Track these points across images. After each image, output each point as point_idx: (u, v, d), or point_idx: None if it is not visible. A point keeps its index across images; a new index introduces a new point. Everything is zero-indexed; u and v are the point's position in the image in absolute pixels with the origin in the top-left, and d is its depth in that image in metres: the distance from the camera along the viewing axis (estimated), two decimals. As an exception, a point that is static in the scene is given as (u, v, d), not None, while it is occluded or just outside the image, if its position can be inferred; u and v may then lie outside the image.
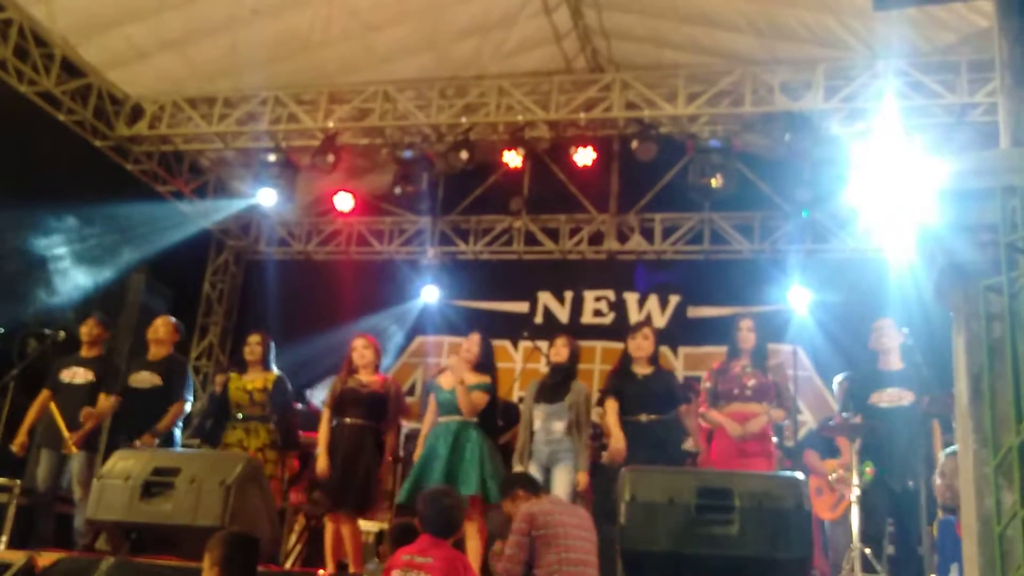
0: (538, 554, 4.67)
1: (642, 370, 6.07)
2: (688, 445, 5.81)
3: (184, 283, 10.52)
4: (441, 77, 8.99)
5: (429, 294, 10.32)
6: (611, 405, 6.08)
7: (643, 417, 5.89)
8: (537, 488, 4.87)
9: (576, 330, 9.59)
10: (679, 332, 9.62)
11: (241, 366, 6.68)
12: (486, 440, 5.90)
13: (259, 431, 6.38)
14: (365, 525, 6.90)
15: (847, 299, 8.87)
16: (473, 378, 5.96)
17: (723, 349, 6.54)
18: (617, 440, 5.86)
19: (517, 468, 5.99)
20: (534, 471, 5.86)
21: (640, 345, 6.09)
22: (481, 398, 5.94)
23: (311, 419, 6.89)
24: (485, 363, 6.10)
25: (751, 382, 6.06)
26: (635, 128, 8.54)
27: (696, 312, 9.76)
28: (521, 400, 8.55)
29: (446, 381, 6.10)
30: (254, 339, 6.68)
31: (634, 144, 8.41)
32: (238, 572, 3.65)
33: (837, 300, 8.97)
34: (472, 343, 6.09)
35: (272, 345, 6.72)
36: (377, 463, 6.09)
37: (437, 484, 5.57)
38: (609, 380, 6.24)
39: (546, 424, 6.00)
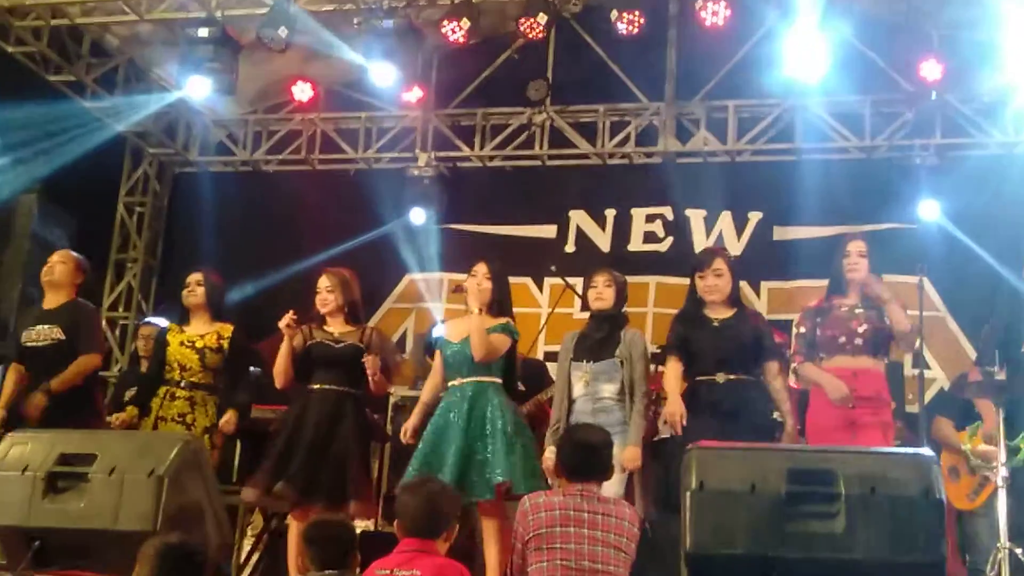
0: (526, 562, 4.74)
1: (717, 314, 6.05)
2: (777, 415, 5.82)
3: (90, 207, 10.53)
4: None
5: (419, 216, 10.31)
6: (672, 367, 6.11)
7: (719, 377, 5.89)
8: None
9: (622, 261, 9.55)
10: (761, 261, 9.59)
11: (172, 316, 6.78)
12: (510, 406, 6.01)
13: (208, 405, 6.50)
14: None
15: (991, 212, 8.81)
16: (489, 321, 6.03)
17: (821, 284, 6.52)
18: (673, 402, 5.88)
19: (551, 448, 6.04)
20: None
21: (713, 285, 6.05)
22: (502, 342, 6.03)
23: (265, 389, 6.97)
24: (502, 303, 6.16)
25: (862, 327, 6.01)
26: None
27: (784, 234, 9.74)
28: (549, 358, 8.62)
29: (454, 331, 6.15)
30: (195, 278, 6.77)
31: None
32: None
33: (978, 214, 8.92)
34: (481, 277, 6.12)
35: (222, 287, 6.81)
36: (361, 439, 6.19)
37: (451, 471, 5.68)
38: (673, 330, 6.20)
39: (592, 388, 6.08)
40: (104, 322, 10.18)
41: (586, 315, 6.65)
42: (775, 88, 9.57)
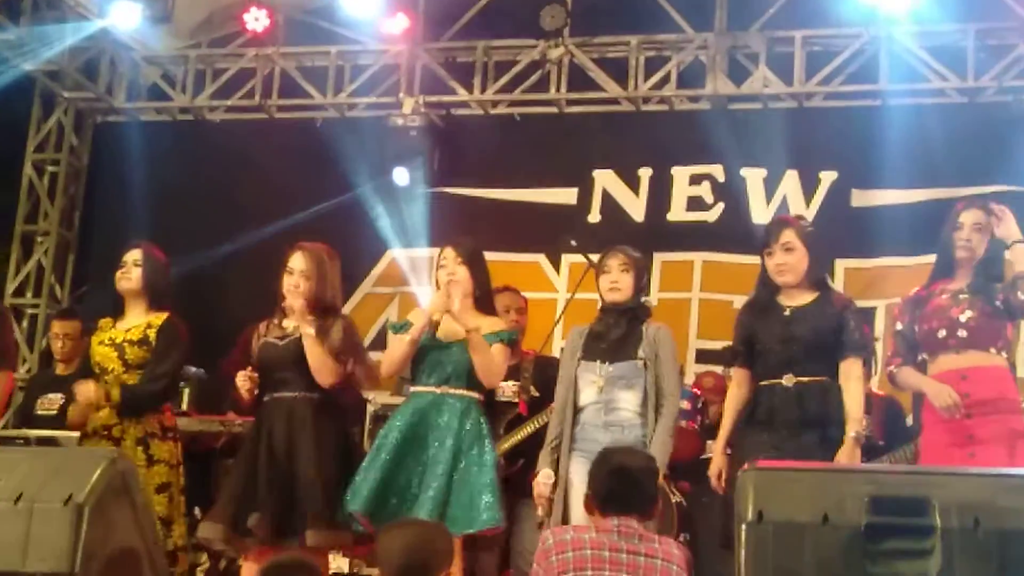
0: None
1: (792, 301, 6.00)
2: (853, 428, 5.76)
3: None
4: None
5: (403, 177, 10.34)
6: (734, 381, 6.17)
7: (786, 379, 5.87)
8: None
9: (660, 233, 9.63)
10: (836, 234, 9.54)
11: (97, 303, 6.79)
12: (489, 436, 6.07)
13: None
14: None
15: None
16: (486, 323, 6.05)
17: (911, 263, 6.45)
18: (716, 461, 6.02)
19: (544, 471, 6.08)
20: (580, 471, 5.81)
21: (782, 263, 5.99)
22: (504, 356, 6.06)
23: (209, 396, 6.99)
24: (484, 296, 6.21)
25: (965, 314, 5.90)
26: None
27: (865, 199, 9.75)
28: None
29: (448, 327, 6.14)
30: (132, 256, 6.69)
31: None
32: None
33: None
34: (452, 264, 6.12)
35: (166, 268, 6.79)
36: (327, 453, 6.15)
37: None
38: (739, 325, 6.21)
39: (605, 395, 6.06)
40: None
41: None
42: (854, 15, 9.64)
